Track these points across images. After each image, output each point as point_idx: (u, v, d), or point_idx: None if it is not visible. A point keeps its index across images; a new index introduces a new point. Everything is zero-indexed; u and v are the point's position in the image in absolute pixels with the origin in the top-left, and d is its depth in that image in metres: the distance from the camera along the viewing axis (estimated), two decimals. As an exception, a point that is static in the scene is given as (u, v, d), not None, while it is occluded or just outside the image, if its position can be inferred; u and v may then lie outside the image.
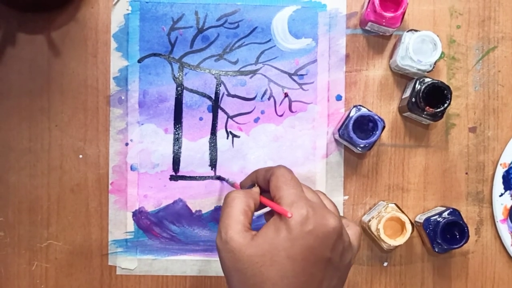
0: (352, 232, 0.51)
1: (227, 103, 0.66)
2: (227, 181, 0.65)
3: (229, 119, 0.66)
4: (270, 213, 0.50)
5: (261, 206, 0.52)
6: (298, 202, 0.47)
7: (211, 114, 0.66)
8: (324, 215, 0.47)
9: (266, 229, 0.47)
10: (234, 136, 0.66)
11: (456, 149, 0.67)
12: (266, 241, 0.46)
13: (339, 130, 0.63)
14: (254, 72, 0.66)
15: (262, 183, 0.53)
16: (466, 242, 0.61)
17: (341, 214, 0.66)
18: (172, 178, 0.66)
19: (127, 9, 0.66)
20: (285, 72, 0.66)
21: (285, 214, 0.46)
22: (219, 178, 0.66)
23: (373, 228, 0.62)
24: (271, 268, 0.46)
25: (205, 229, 0.66)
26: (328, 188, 0.66)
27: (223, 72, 0.66)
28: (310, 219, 0.46)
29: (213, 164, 0.66)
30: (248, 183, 0.56)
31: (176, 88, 0.66)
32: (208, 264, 0.66)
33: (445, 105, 0.61)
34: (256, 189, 0.53)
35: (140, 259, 0.66)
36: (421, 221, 0.64)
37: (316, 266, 0.46)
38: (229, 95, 0.66)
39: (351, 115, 0.61)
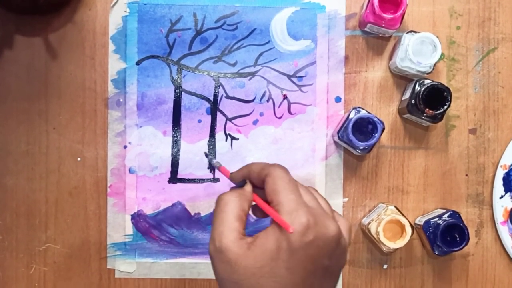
0: (343, 229, 0.49)
1: (226, 105, 0.66)
2: (210, 160, 0.62)
3: (228, 121, 0.66)
4: (257, 207, 0.49)
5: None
6: (298, 210, 0.45)
7: (209, 117, 0.66)
8: (324, 223, 0.45)
9: (265, 240, 0.45)
10: (233, 138, 0.66)
11: (456, 151, 0.66)
12: (265, 253, 0.44)
13: (338, 132, 0.62)
14: (253, 74, 0.66)
15: (256, 181, 0.49)
16: (466, 244, 0.61)
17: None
18: (171, 180, 0.66)
19: (125, 11, 0.65)
20: (284, 74, 0.66)
21: (286, 228, 0.44)
22: (206, 154, 0.64)
23: (373, 231, 0.62)
24: (270, 280, 0.44)
25: (204, 232, 0.66)
26: (327, 191, 0.66)
27: (222, 74, 0.66)
28: (310, 229, 0.44)
29: (212, 167, 0.66)
30: (239, 178, 0.51)
31: (175, 91, 0.66)
32: (207, 267, 0.66)
33: (445, 107, 0.61)
34: (249, 188, 0.50)
35: (138, 262, 0.66)
36: (421, 223, 0.63)
37: (314, 276, 0.45)
38: (227, 97, 0.66)
39: (350, 117, 0.61)
